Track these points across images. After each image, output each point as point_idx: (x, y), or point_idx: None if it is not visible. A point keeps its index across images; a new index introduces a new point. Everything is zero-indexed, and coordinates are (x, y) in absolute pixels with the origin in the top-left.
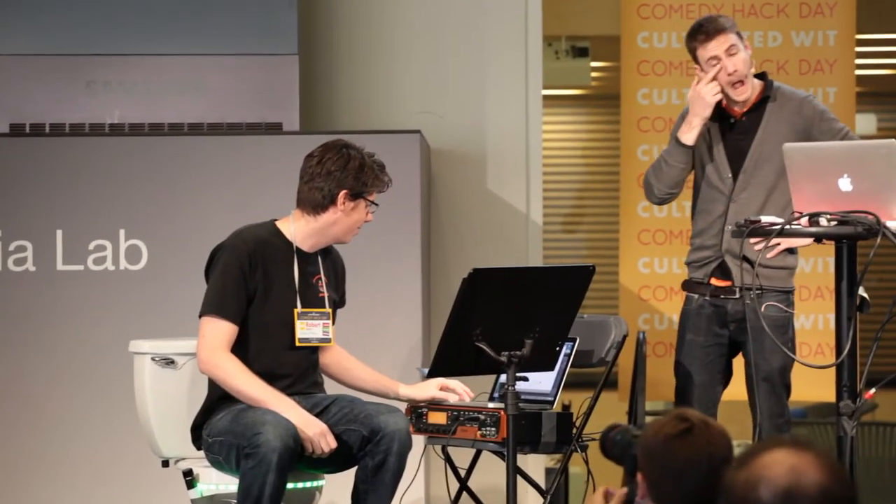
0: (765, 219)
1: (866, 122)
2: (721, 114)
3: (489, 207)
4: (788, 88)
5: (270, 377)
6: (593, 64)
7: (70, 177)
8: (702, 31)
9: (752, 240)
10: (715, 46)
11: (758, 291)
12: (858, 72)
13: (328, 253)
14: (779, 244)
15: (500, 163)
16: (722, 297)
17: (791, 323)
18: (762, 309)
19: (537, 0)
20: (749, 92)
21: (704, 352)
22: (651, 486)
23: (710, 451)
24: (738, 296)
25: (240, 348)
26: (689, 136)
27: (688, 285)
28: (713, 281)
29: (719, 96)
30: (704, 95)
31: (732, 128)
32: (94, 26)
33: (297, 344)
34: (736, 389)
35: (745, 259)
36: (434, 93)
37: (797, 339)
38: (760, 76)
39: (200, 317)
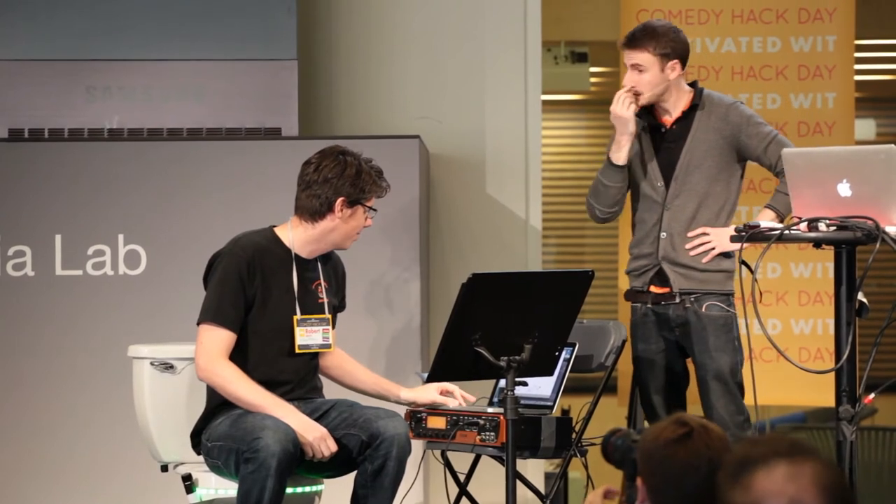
0: (763, 224)
1: (865, 127)
2: (653, 124)
3: (488, 212)
4: (717, 95)
5: (270, 384)
6: (592, 69)
7: (69, 182)
8: (624, 38)
9: (688, 245)
10: (625, 56)
11: (696, 295)
12: (857, 77)
13: (328, 257)
14: (713, 249)
15: (500, 168)
16: (663, 303)
17: (735, 323)
18: (703, 310)
19: (536, 5)
20: (633, 111)
21: (659, 357)
22: (650, 491)
23: (709, 455)
24: (677, 300)
25: (239, 355)
26: (618, 155)
27: (630, 294)
28: (652, 289)
29: (633, 107)
30: (620, 113)
31: (664, 137)
32: (94, 31)
33: (297, 351)
34: None
35: (744, 263)
36: (433, 98)
37: (797, 343)
38: (692, 84)
39: (198, 324)
